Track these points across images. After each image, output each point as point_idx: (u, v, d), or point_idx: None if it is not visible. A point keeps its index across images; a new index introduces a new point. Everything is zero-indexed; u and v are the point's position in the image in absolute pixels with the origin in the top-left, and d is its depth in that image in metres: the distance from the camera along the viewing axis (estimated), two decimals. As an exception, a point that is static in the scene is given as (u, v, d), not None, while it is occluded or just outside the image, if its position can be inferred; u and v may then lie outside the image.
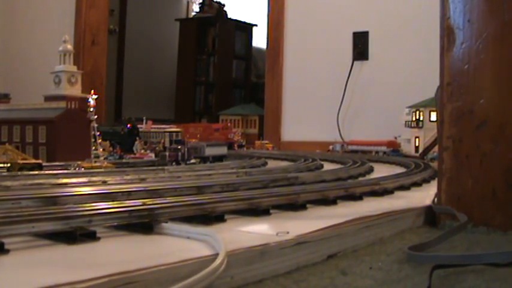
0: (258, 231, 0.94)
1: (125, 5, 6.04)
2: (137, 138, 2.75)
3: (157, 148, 2.54)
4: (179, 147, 2.23)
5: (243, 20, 6.19)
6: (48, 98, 2.41)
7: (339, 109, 3.66)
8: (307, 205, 1.16)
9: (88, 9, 4.46)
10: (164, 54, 6.25)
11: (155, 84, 6.21)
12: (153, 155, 2.48)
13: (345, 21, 3.73)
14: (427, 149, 2.60)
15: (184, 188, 1.21)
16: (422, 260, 0.87)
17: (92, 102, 2.04)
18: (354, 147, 3.17)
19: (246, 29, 6.21)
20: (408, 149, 2.86)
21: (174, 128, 3.05)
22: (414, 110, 2.79)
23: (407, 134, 2.89)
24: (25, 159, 1.87)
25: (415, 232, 1.16)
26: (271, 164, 2.37)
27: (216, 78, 5.89)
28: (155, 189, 1.18)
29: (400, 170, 2.02)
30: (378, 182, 1.44)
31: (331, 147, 3.36)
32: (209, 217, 0.96)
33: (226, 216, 0.99)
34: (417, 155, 2.70)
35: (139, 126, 2.94)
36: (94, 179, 1.46)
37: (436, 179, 1.29)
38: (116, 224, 0.85)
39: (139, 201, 0.94)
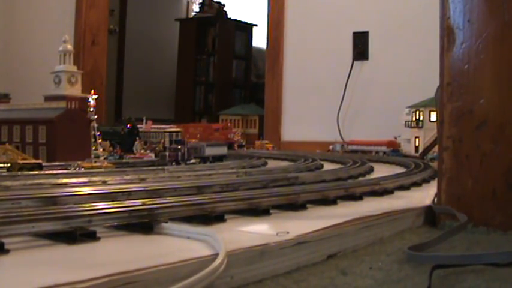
0: (258, 231, 0.94)
1: (125, 5, 6.04)
2: (137, 138, 2.75)
3: (157, 148, 2.54)
4: (179, 147, 2.23)
5: (243, 20, 6.18)
6: (48, 98, 2.41)
7: (339, 109, 3.66)
8: (307, 205, 1.16)
9: (88, 9, 4.46)
10: (164, 54, 6.25)
11: (155, 84, 6.21)
12: (153, 155, 2.48)
13: (345, 21, 3.73)
14: (427, 149, 2.60)
15: (184, 188, 1.21)
16: (422, 260, 0.87)
17: (92, 102, 2.04)
18: (354, 147, 3.17)
19: (246, 29, 6.21)
20: (408, 149, 2.86)
21: (174, 128, 3.05)
22: (414, 110, 2.79)
23: (407, 134, 2.89)
24: (25, 159, 1.87)
25: (415, 232, 1.16)
26: (271, 164, 2.37)
27: (216, 78, 5.89)
28: (155, 189, 1.18)
29: (400, 170, 2.01)
30: (378, 182, 1.44)
31: (331, 147, 3.36)
32: (209, 217, 0.96)
33: (226, 216, 0.99)
34: (417, 155, 2.70)
35: (139, 126, 2.93)
36: (94, 179, 1.46)
37: (436, 179, 1.29)
38: (115, 224, 0.85)
39: (139, 201, 0.94)
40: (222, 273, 0.68)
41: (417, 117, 2.76)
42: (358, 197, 1.30)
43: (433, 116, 2.62)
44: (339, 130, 3.63)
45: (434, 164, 1.95)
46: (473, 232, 1.12)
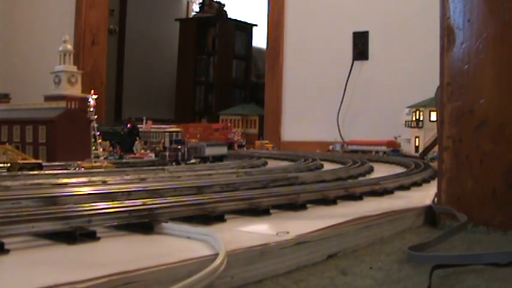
0: (258, 231, 0.94)
1: (125, 5, 6.04)
2: (137, 138, 2.75)
3: (157, 148, 2.54)
4: (179, 147, 2.23)
5: (243, 20, 6.18)
6: (48, 98, 2.41)
7: (339, 109, 3.66)
8: (307, 205, 1.16)
9: (88, 9, 4.46)
10: (164, 54, 6.25)
11: (155, 84, 6.21)
12: (153, 155, 2.48)
13: (345, 21, 3.73)
14: (427, 149, 2.60)
15: (184, 188, 1.21)
16: (422, 260, 0.87)
17: (92, 102, 2.04)
18: (354, 147, 3.17)
19: (246, 29, 6.21)
20: (408, 149, 2.86)
21: (174, 128, 3.05)
22: (414, 110, 2.79)
23: (407, 134, 2.89)
24: (25, 159, 1.86)
25: (415, 232, 1.16)
26: (271, 164, 2.37)
27: (216, 78, 5.89)
28: (155, 189, 1.18)
29: (400, 170, 2.01)
30: (378, 182, 1.44)
31: (331, 147, 3.36)
32: (209, 217, 0.96)
33: (226, 216, 0.99)
34: (417, 155, 2.70)
35: (139, 126, 2.94)
36: (94, 179, 1.46)
37: (436, 179, 1.29)
38: (115, 224, 0.85)
39: (139, 201, 0.94)
40: (222, 273, 0.68)
41: (417, 117, 2.76)
42: (358, 197, 1.30)
43: (433, 116, 2.62)
44: (339, 130, 3.63)
45: (434, 164, 1.95)
46: (473, 232, 1.12)
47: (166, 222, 0.88)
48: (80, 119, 2.16)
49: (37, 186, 1.30)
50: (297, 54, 3.94)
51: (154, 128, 3.02)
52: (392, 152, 2.89)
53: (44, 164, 1.82)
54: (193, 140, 2.85)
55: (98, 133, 2.12)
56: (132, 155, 2.53)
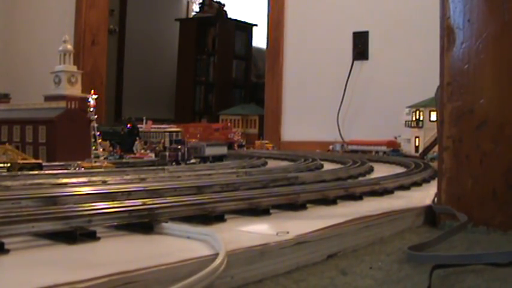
0: (258, 231, 0.94)
1: (125, 5, 6.04)
2: (137, 138, 2.75)
3: (157, 148, 2.54)
4: (179, 147, 2.23)
5: (243, 20, 6.18)
6: (48, 98, 2.40)
7: (339, 109, 3.66)
8: (307, 205, 1.16)
9: (88, 9, 4.46)
10: (164, 54, 6.25)
11: (155, 84, 6.21)
12: (153, 155, 2.48)
13: (345, 21, 3.73)
14: (427, 149, 2.60)
15: (184, 188, 1.21)
16: (422, 259, 0.87)
17: (92, 102, 2.04)
18: (354, 147, 3.17)
19: (246, 29, 6.21)
20: (408, 149, 2.86)
21: (174, 128, 3.05)
22: (414, 110, 2.79)
23: (407, 134, 2.89)
24: (25, 159, 1.86)
25: (415, 232, 1.16)
26: (271, 163, 2.37)
27: (216, 78, 5.89)
28: (155, 189, 1.18)
29: (400, 169, 2.02)
30: (378, 181, 1.44)
31: (331, 147, 3.36)
32: (209, 217, 0.96)
33: (226, 216, 0.99)
34: (417, 155, 2.70)
35: (139, 126, 2.94)
36: (94, 179, 1.46)
37: (436, 179, 1.29)
38: (115, 224, 0.85)
39: (139, 201, 0.94)
40: (222, 273, 0.68)
41: (417, 117, 2.76)
42: (358, 197, 1.30)
43: (433, 116, 2.62)
44: (339, 130, 3.63)
45: (434, 164, 1.95)
46: (473, 232, 1.12)
47: (166, 222, 0.88)
48: (80, 119, 2.16)
49: (37, 186, 1.30)
50: (297, 54, 3.94)
51: (154, 128, 3.02)
52: (392, 152, 2.89)
53: (44, 164, 1.82)
54: (193, 140, 2.85)
55: (98, 133, 2.12)
56: (132, 155, 2.53)
